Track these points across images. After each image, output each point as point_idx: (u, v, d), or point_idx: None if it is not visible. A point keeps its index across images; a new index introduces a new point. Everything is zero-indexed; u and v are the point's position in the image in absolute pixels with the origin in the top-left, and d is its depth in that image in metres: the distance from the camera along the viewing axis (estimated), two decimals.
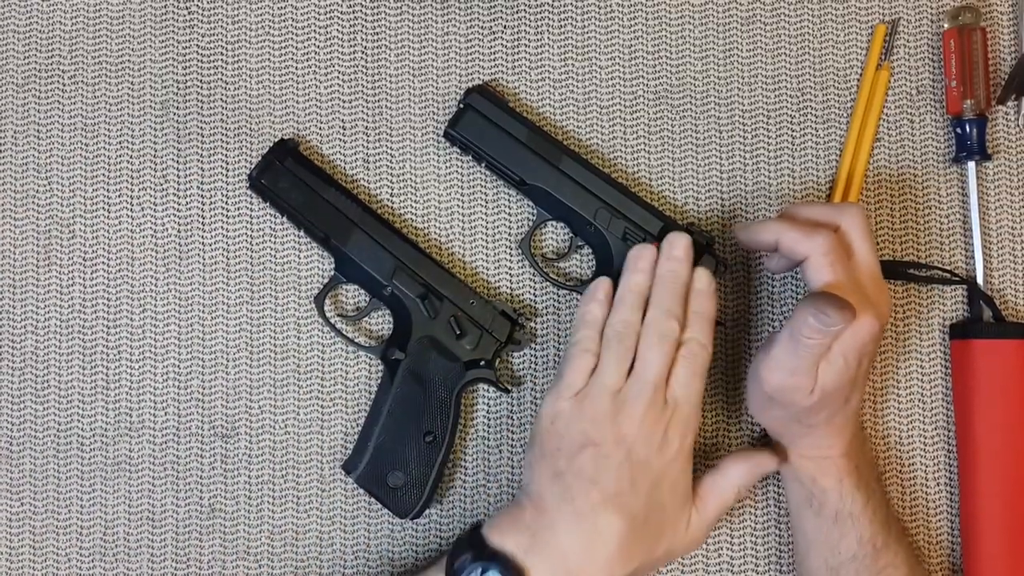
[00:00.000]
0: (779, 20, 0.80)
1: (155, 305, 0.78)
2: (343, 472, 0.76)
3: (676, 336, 0.68)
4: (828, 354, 0.65)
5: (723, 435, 0.78)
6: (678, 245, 0.70)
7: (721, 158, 0.79)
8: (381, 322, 0.78)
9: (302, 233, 0.77)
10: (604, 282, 0.71)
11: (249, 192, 0.79)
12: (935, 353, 0.78)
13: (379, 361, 0.77)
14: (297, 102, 0.79)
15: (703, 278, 0.70)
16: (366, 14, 0.80)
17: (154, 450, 0.78)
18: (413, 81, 0.80)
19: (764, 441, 0.75)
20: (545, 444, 0.68)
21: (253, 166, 0.76)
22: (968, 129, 0.77)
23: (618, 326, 0.69)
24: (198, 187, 0.79)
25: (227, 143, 0.79)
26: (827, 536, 0.70)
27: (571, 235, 0.78)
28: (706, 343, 0.68)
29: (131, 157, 0.79)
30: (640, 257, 0.70)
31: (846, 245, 0.68)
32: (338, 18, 0.80)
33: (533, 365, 0.78)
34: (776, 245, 0.68)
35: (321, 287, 0.77)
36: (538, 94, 0.80)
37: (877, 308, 0.66)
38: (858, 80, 0.80)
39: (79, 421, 0.78)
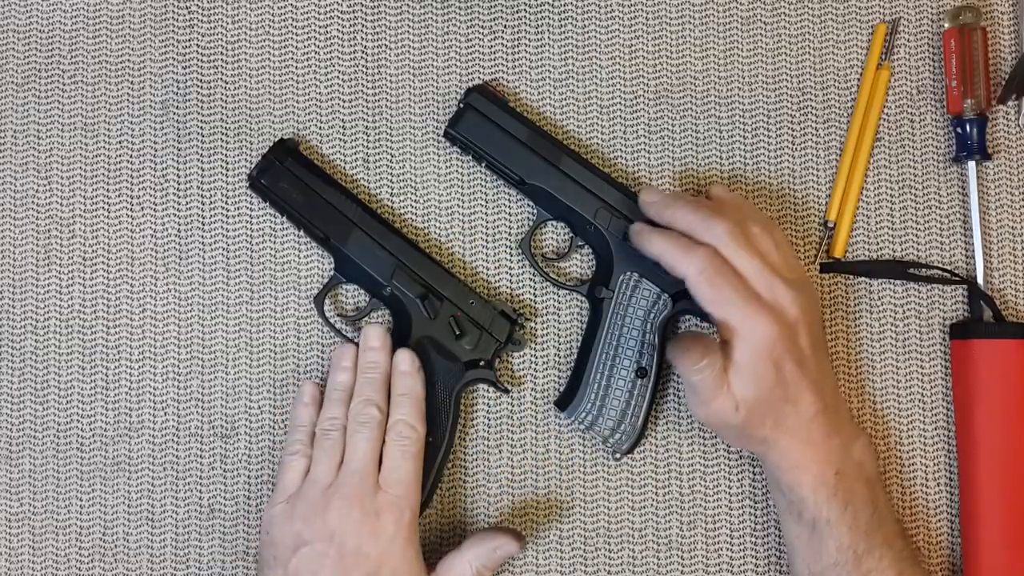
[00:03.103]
0: (779, 20, 0.80)
1: (155, 305, 0.78)
2: None
3: (378, 420, 0.70)
4: (734, 368, 0.67)
5: (714, 444, 0.78)
6: (372, 336, 0.73)
7: (721, 158, 0.79)
8: (380, 322, 0.78)
9: (302, 233, 0.77)
10: (309, 385, 0.74)
11: (249, 192, 0.78)
12: (935, 353, 0.78)
13: None
14: (297, 102, 0.79)
15: (405, 360, 0.72)
16: (366, 13, 0.80)
17: (153, 450, 0.78)
18: (413, 81, 0.80)
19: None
20: (263, 555, 0.70)
21: (253, 166, 0.76)
22: (968, 129, 0.77)
23: (325, 424, 0.71)
24: (198, 187, 0.79)
25: (227, 143, 0.79)
26: (808, 543, 0.70)
27: (571, 235, 0.78)
28: (414, 423, 0.71)
29: (131, 157, 0.79)
30: (342, 356, 0.73)
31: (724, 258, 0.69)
32: (338, 18, 0.80)
33: (533, 365, 0.78)
34: (659, 261, 0.70)
35: (321, 287, 0.77)
36: (538, 94, 0.80)
37: (775, 311, 0.68)
38: (858, 80, 0.80)
39: (78, 421, 0.78)
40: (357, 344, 0.74)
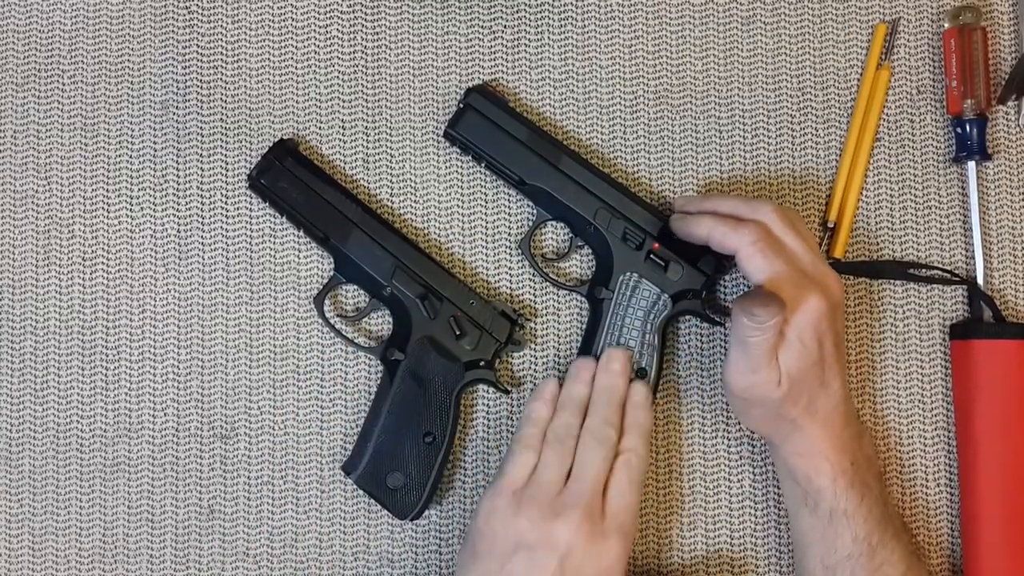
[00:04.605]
0: (779, 20, 0.80)
1: (154, 305, 0.78)
2: (342, 473, 0.76)
3: (613, 442, 0.69)
4: (783, 340, 0.67)
5: (722, 435, 0.78)
6: (616, 359, 0.73)
7: (721, 158, 0.79)
8: (381, 322, 0.78)
9: (302, 233, 0.77)
10: (551, 383, 0.73)
11: (249, 192, 0.78)
12: (935, 353, 0.78)
13: (379, 362, 0.77)
14: (297, 102, 0.79)
15: (640, 391, 0.72)
16: (366, 13, 0.80)
17: (153, 451, 0.78)
18: (413, 81, 0.80)
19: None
20: (478, 544, 0.68)
21: (253, 166, 0.76)
22: (968, 129, 0.77)
23: (559, 428, 0.70)
24: (198, 187, 0.79)
25: (227, 143, 0.79)
26: (823, 535, 0.70)
27: (571, 235, 0.78)
28: (643, 454, 0.70)
29: (131, 157, 0.79)
30: (582, 368, 0.73)
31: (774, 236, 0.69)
32: (338, 18, 0.80)
33: (533, 366, 0.78)
34: (708, 239, 0.70)
35: (321, 287, 0.77)
36: (538, 94, 0.80)
37: (823, 287, 0.68)
38: (858, 80, 0.80)
39: (78, 422, 0.78)
40: (595, 359, 0.73)
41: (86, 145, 0.79)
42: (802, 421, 0.69)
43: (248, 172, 0.77)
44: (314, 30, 0.80)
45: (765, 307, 0.64)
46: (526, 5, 0.80)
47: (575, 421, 0.70)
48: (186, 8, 0.80)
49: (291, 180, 0.75)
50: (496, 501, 0.68)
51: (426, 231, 0.79)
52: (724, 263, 0.75)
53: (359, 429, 0.76)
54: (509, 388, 0.77)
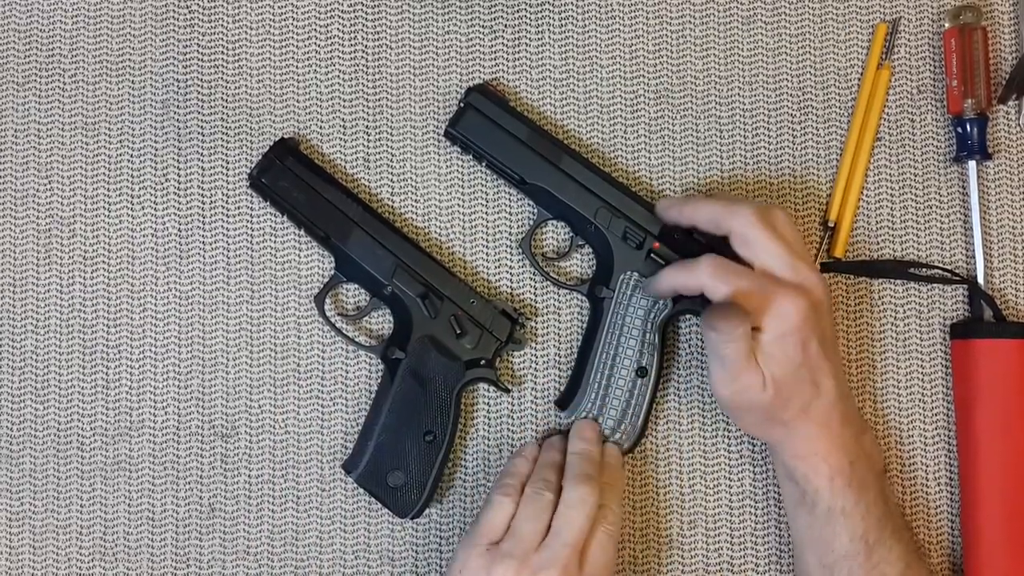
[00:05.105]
0: (780, 19, 0.80)
1: (155, 304, 0.78)
2: (343, 472, 0.76)
3: (596, 500, 0.69)
4: (760, 347, 0.67)
5: (722, 435, 0.78)
6: (587, 429, 0.73)
7: (721, 157, 0.79)
8: (381, 321, 0.78)
9: (302, 232, 0.77)
10: (532, 445, 0.75)
11: (249, 191, 0.79)
12: (935, 353, 0.78)
13: (379, 360, 0.77)
14: (298, 101, 0.79)
15: (614, 454, 0.73)
16: (367, 13, 0.80)
17: (154, 449, 0.78)
18: (414, 80, 0.80)
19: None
20: None
21: (253, 165, 0.76)
22: (969, 128, 0.77)
23: (538, 484, 0.70)
24: (198, 186, 0.79)
25: (227, 142, 0.79)
26: (820, 534, 0.70)
27: (571, 234, 0.78)
28: (619, 513, 0.70)
29: (131, 156, 0.79)
30: (557, 441, 0.74)
31: (741, 246, 0.69)
32: (339, 17, 0.80)
33: (533, 365, 0.78)
34: (673, 290, 0.71)
35: (321, 286, 0.77)
36: (539, 93, 0.80)
37: (801, 289, 0.68)
38: (859, 79, 0.80)
39: (79, 420, 0.78)
40: (563, 433, 0.75)
41: (87, 144, 0.80)
42: (797, 423, 0.69)
43: (249, 171, 0.77)
44: (315, 29, 0.80)
45: (726, 319, 0.65)
46: (526, 4, 0.80)
47: (554, 478, 0.71)
48: (187, 7, 0.80)
49: (292, 179, 0.76)
50: (471, 551, 0.68)
51: (427, 230, 0.79)
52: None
53: (360, 428, 0.76)
54: (510, 387, 0.78)
